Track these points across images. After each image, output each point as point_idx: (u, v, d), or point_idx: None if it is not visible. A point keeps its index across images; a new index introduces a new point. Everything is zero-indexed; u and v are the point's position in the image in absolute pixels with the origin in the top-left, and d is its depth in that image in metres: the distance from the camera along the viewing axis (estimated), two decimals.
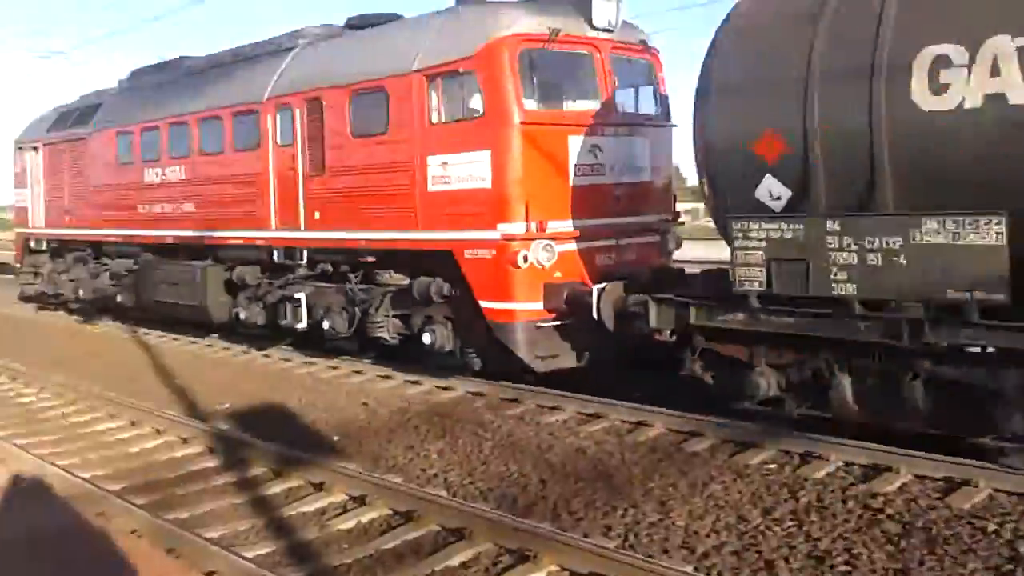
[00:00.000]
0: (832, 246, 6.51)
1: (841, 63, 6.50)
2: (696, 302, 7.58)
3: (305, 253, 11.15)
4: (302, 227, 11.02)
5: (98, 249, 15.93)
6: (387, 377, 10.15)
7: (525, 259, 8.67)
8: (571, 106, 9.66)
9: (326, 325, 10.61)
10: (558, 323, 8.81)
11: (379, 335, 10.22)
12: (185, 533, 5.56)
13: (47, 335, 15.27)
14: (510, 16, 9.12)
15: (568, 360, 8.94)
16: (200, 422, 8.48)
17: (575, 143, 9.17)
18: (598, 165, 9.34)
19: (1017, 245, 5.66)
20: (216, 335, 13.13)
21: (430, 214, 9.43)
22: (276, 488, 6.75)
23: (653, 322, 7.85)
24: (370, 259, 10.41)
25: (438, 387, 9.55)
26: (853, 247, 6.41)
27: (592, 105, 9.55)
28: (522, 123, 8.83)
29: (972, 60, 5.90)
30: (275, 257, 11.55)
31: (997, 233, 5.80)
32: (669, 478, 6.35)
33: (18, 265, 18.80)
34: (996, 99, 5.84)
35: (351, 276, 10.55)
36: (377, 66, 9.99)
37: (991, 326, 5.94)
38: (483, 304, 8.92)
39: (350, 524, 5.97)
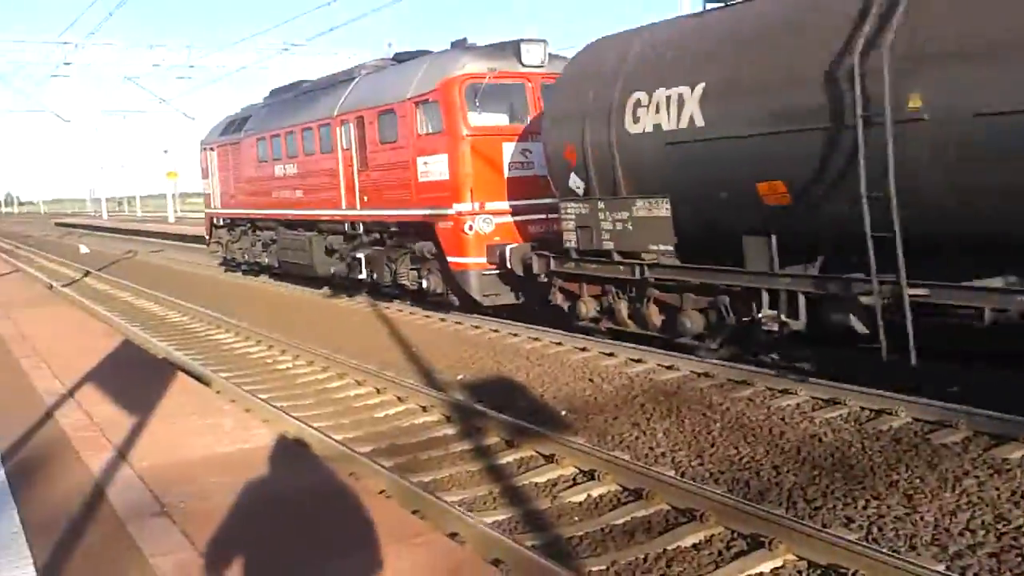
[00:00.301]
0: (602, 217, 10.42)
1: (598, 104, 10.21)
2: (555, 255, 11.47)
3: (361, 225, 15.47)
4: (358, 207, 15.25)
5: (253, 224, 20.77)
6: (610, 354, 10.22)
7: (471, 228, 12.62)
8: (507, 121, 13.28)
9: (375, 276, 15.14)
10: (498, 272, 12.60)
11: (403, 282, 14.52)
12: (429, 496, 5.91)
13: (295, 308, 16.60)
14: (461, 60, 12.99)
15: (507, 298, 12.91)
16: (437, 391, 8.93)
17: (508, 147, 12.85)
18: (528, 162, 12.92)
19: (677, 216, 9.45)
20: (433, 305, 13.73)
21: (420, 197, 13.47)
22: (509, 457, 7.01)
23: (535, 269, 11.84)
24: (395, 229, 14.59)
25: (661, 366, 9.50)
26: (610, 218, 10.29)
27: (524, 120, 13.12)
28: (467, 135, 12.67)
29: (650, 102, 9.49)
30: (346, 228, 15.88)
31: (667, 209, 9.52)
32: (916, 471, 5.98)
33: (208, 237, 24.28)
34: (658, 127, 9.42)
35: (387, 241, 14.93)
36: (391, 94, 14.11)
37: (670, 266, 9.87)
38: (449, 259, 13.03)
39: (580, 497, 6.09)
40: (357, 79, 15.90)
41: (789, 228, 8.47)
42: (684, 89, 9.07)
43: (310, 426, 7.85)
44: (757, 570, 4.85)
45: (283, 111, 18.61)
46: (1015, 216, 6.61)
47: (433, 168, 13.13)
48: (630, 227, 10.00)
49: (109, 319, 15.55)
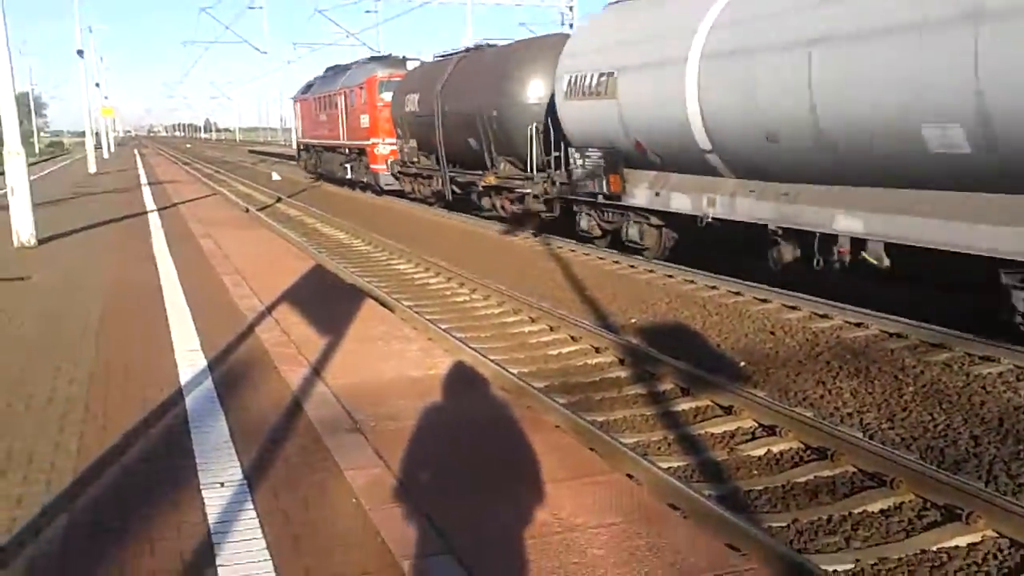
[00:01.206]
0: (405, 148, 24.56)
1: (399, 98, 24.30)
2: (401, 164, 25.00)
3: (347, 148, 29.43)
4: (346, 139, 29.25)
5: (314, 148, 35.16)
6: (794, 308, 9.85)
7: (377, 150, 26.08)
8: None
9: (353, 176, 29.10)
10: (390, 172, 25.60)
11: (358, 177, 28.67)
12: (604, 435, 5.92)
13: (475, 243, 16.94)
14: (375, 68, 26.89)
15: (396, 187, 25.71)
16: (611, 333, 8.90)
17: None
18: None
19: (419, 148, 23.31)
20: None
21: (361, 134, 27.12)
22: (684, 405, 6.91)
23: (394, 171, 25.47)
24: (357, 150, 28.22)
25: (849, 323, 9.08)
26: (407, 147, 24.14)
27: None
28: (378, 105, 25.80)
29: (408, 99, 23.03)
30: (342, 151, 30.03)
31: (415, 144, 23.29)
32: None
33: (296, 156, 40.66)
34: (412, 110, 22.66)
35: (355, 157, 28.71)
36: (355, 82, 27.82)
37: (423, 167, 23.19)
38: (371, 166, 26.65)
39: (760, 452, 5.93)
40: (350, 69, 29.77)
41: (444, 151, 20.57)
42: (414, 95, 21.71)
43: (487, 358, 8.01)
44: (952, 543, 4.58)
45: (324, 82, 33.19)
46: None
47: (365, 121, 26.75)
48: (409, 151, 23.12)
49: (300, 243, 16.41)
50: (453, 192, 20.95)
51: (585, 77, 13.40)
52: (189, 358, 6.50)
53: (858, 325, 8.92)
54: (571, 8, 38.61)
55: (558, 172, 15.27)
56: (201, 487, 4.16)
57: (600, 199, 13.75)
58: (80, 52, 39.99)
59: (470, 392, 5.87)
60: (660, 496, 4.95)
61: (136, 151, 73.44)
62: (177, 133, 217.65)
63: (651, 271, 12.53)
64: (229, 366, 6.32)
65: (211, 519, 3.83)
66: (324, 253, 15.56)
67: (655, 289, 11.42)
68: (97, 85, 58.39)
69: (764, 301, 10.24)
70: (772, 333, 8.92)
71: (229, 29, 48.45)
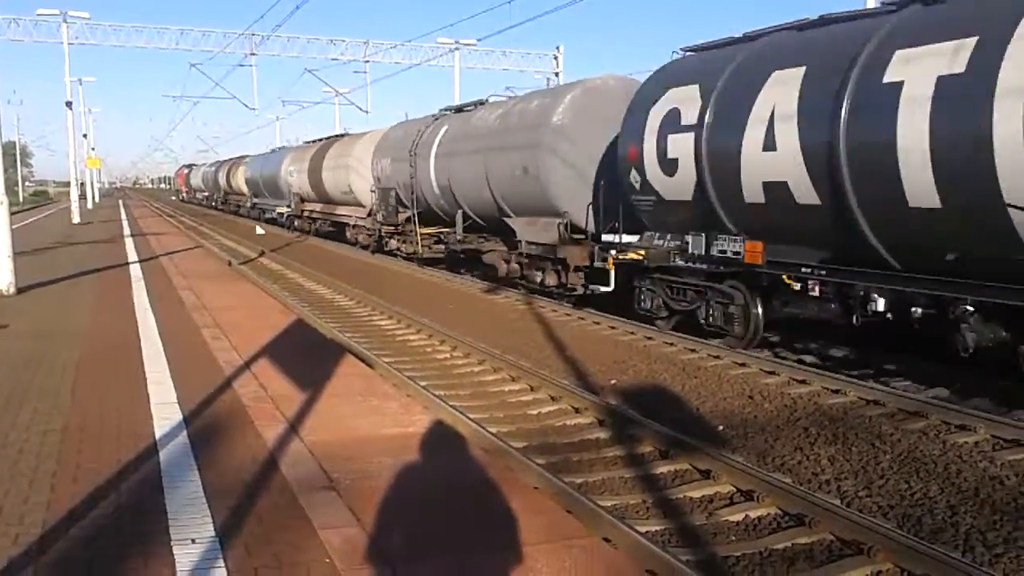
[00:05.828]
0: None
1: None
2: None
3: (181, 190, 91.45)
4: (181, 187, 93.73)
5: (179, 191, 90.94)
6: (772, 373, 9.89)
7: (184, 186, 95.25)
8: None
9: (182, 199, 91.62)
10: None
11: (184, 199, 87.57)
12: (582, 498, 5.88)
13: (453, 300, 16.96)
14: (184, 169, 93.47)
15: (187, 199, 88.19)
16: (591, 394, 8.89)
17: None
18: None
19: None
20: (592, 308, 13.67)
21: (180, 185, 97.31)
22: (663, 468, 6.88)
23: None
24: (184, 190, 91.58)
25: (827, 389, 9.11)
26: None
27: None
28: (183, 178, 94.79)
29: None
30: (181, 192, 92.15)
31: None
32: None
33: (176, 194, 77.77)
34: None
35: (180, 192, 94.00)
36: (182, 169, 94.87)
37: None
38: (183, 194, 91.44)
39: (737, 517, 5.90)
40: (189, 167, 78.55)
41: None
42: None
43: (466, 416, 7.98)
44: None
45: (188, 169, 75.33)
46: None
47: (181, 183, 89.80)
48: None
49: (282, 298, 16.37)
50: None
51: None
52: (165, 412, 6.45)
53: (836, 392, 8.96)
54: (557, 75, 39.54)
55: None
56: (172, 544, 4.10)
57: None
58: (69, 103, 40.21)
59: (448, 451, 5.84)
60: (637, 561, 4.91)
61: (121, 202, 73.48)
62: (163, 186, 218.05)
63: (632, 332, 12.58)
64: (205, 421, 6.27)
65: None
66: (306, 308, 15.52)
67: (636, 351, 11.44)
68: (84, 136, 58.64)
69: (742, 365, 10.28)
70: (751, 398, 8.94)
71: (219, 85, 49.03)
